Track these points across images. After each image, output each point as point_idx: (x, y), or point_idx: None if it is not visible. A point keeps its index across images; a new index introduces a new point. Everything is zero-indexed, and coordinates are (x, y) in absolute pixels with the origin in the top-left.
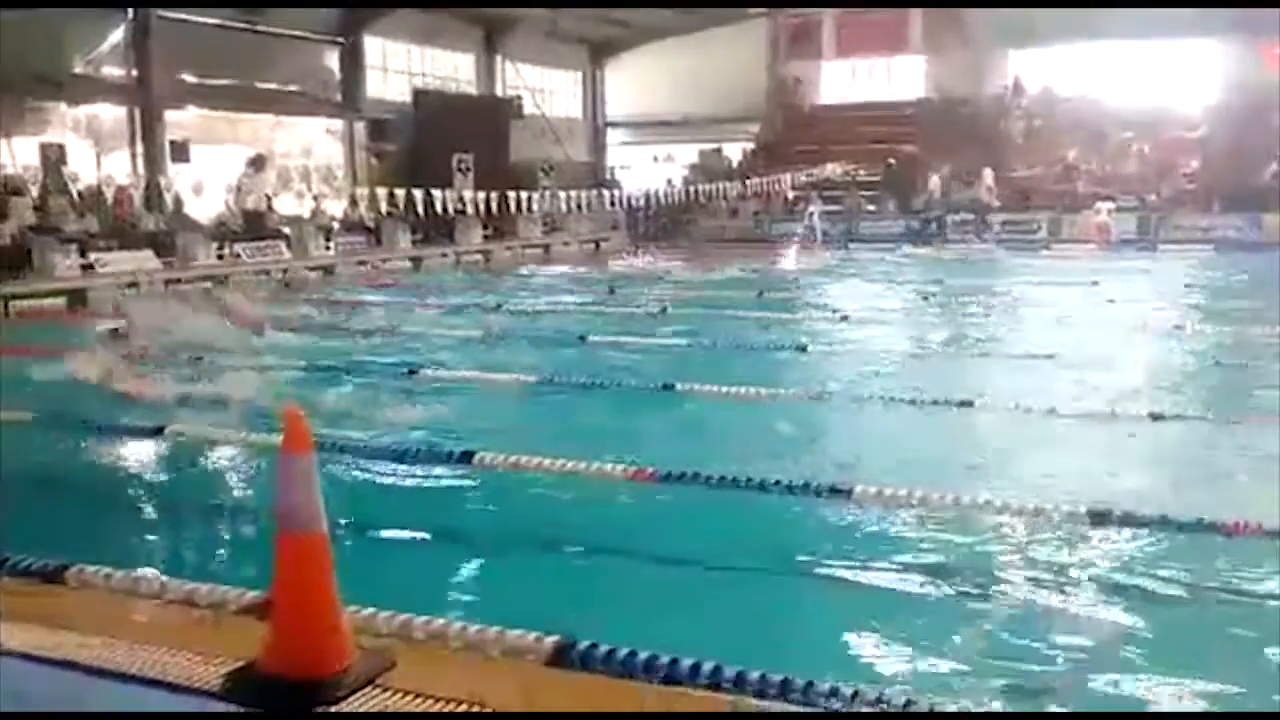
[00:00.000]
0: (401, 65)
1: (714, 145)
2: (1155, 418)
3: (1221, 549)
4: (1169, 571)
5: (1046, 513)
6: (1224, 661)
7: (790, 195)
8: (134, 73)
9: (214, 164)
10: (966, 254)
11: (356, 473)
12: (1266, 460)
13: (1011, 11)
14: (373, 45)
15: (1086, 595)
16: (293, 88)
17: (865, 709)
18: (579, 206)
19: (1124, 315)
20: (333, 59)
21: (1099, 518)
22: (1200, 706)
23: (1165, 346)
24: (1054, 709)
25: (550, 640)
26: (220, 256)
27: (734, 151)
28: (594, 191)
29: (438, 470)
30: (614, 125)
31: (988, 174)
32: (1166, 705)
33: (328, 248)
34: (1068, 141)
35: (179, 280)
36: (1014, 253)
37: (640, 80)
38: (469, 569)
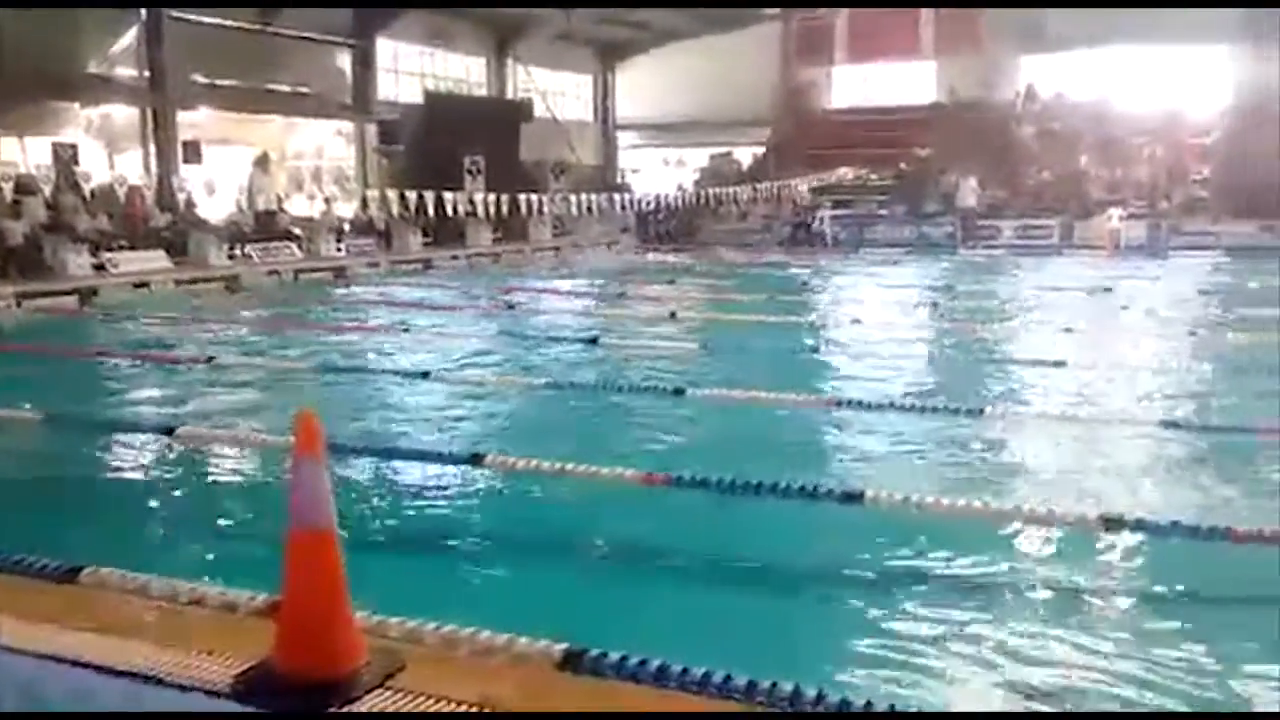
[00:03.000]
0: (413, 67)
1: (724, 149)
2: (1168, 425)
3: (1232, 556)
4: (1178, 578)
5: (1059, 518)
6: (1233, 666)
7: (801, 200)
8: (146, 73)
9: (226, 165)
10: (981, 259)
11: (372, 473)
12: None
13: (1024, 16)
14: (385, 47)
15: (1101, 602)
16: (304, 89)
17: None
18: (589, 209)
19: (1136, 321)
20: (344, 61)
21: (1112, 524)
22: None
23: (1178, 353)
24: (1054, 709)
25: (560, 647)
26: (231, 257)
27: (744, 155)
28: (604, 194)
29: (450, 471)
30: (624, 128)
31: (972, 180)
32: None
33: (338, 249)
34: (1080, 147)
35: (191, 280)
36: (1027, 257)
37: (651, 84)
38: (480, 573)
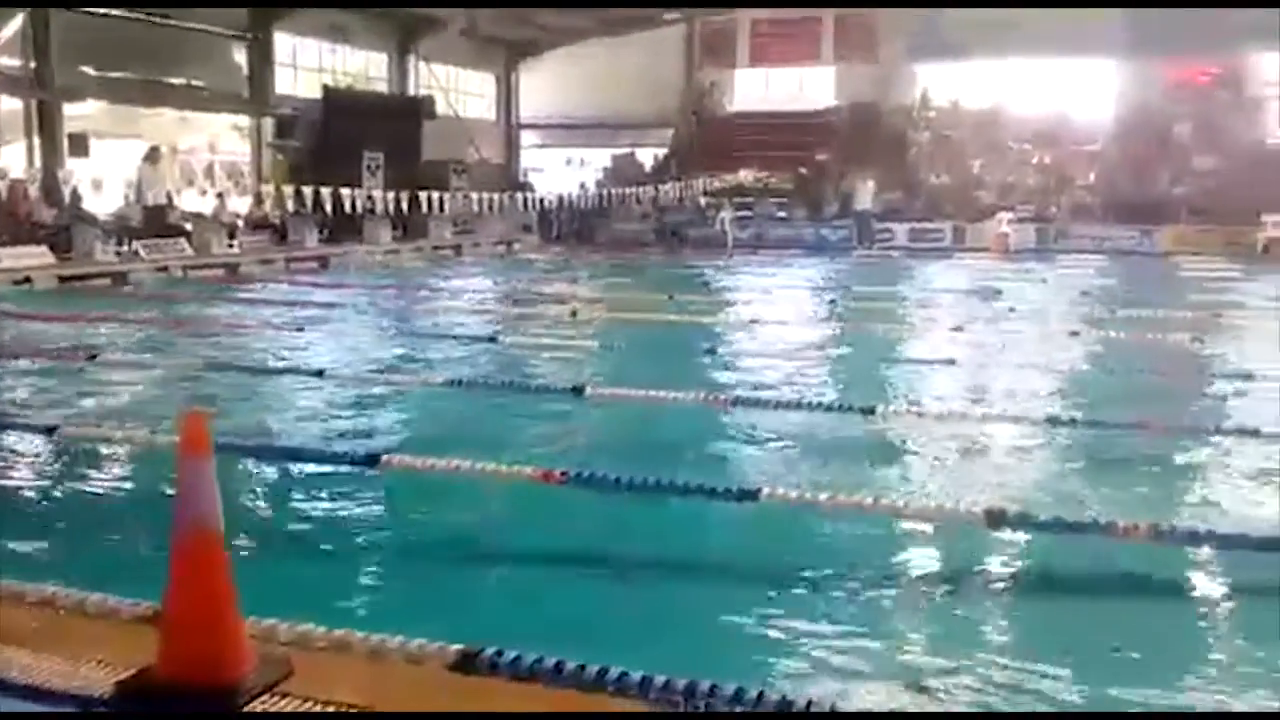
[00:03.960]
0: (313, 62)
1: (627, 150)
2: (1052, 422)
3: (1113, 551)
4: (1060, 573)
5: (946, 514)
6: (1109, 660)
7: (703, 201)
8: (32, 64)
9: (115, 158)
10: (877, 260)
11: (258, 475)
12: (1159, 465)
13: (920, 26)
14: (283, 42)
15: (984, 596)
16: (199, 82)
17: (772, 711)
18: (491, 208)
19: (1023, 322)
20: (241, 54)
21: (995, 519)
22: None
23: (1062, 353)
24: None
25: (454, 648)
26: (119, 253)
27: (647, 156)
28: (506, 193)
29: (343, 472)
30: (527, 127)
31: (869, 184)
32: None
33: (231, 245)
34: (972, 153)
35: (76, 277)
36: (921, 259)
37: (555, 83)
38: (373, 575)
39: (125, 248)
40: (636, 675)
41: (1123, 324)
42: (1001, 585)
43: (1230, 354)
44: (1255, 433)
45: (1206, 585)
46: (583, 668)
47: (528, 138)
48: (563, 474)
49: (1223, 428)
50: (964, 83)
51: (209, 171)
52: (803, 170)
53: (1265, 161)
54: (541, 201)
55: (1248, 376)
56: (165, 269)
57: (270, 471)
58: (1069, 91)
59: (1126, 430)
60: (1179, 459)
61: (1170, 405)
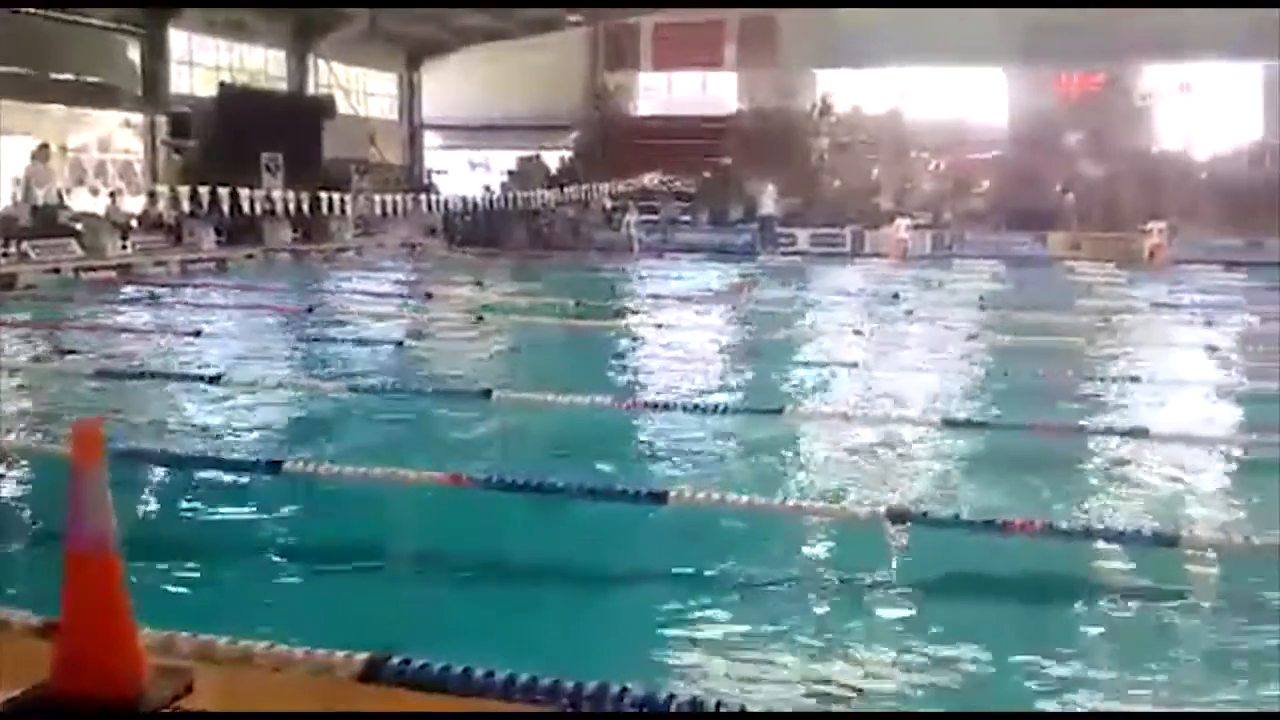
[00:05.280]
0: (209, 60)
1: (532, 152)
2: (949, 423)
3: (1009, 547)
4: (958, 569)
5: (850, 514)
6: (1004, 655)
7: (608, 204)
8: None
9: (2, 156)
10: (780, 265)
11: (154, 484)
12: (1053, 464)
13: (820, 33)
14: (178, 38)
15: (887, 593)
16: (90, 78)
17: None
18: (395, 209)
19: (921, 326)
20: (134, 51)
21: (898, 517)
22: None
23: (959, 355)
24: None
25: (360, 657)
26: (7, 254)
27: (552, 159)
28: (410, 195)
29: (243, 480)
30: (431, 128)
31: (770, 188)
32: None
33: (125, 247)
34: (872, 159)
35: None
36: (822, 264)
37: (458, 84)
38: (276, 585)
39: (13, 249)
40: (546, 680)
41: (1016, 328)
42: (904, 582)
43: (1119, 357)
44: (1145, 433)
45: (1100, 580)
46: (491, 674)
47: (431, 139)
48: (471, 479)
49: (1114, 428)
50: (864, 89)
51: (101, 170)
52: (706, 174)
53: (1152, 170)
54: (446, 204)
55: (1135, 379)
56: (56, 270)
57: (167, 480)
58: (966, 99)
59: (1023, 431)
60: (1072, 458)
61: (1064, 406)
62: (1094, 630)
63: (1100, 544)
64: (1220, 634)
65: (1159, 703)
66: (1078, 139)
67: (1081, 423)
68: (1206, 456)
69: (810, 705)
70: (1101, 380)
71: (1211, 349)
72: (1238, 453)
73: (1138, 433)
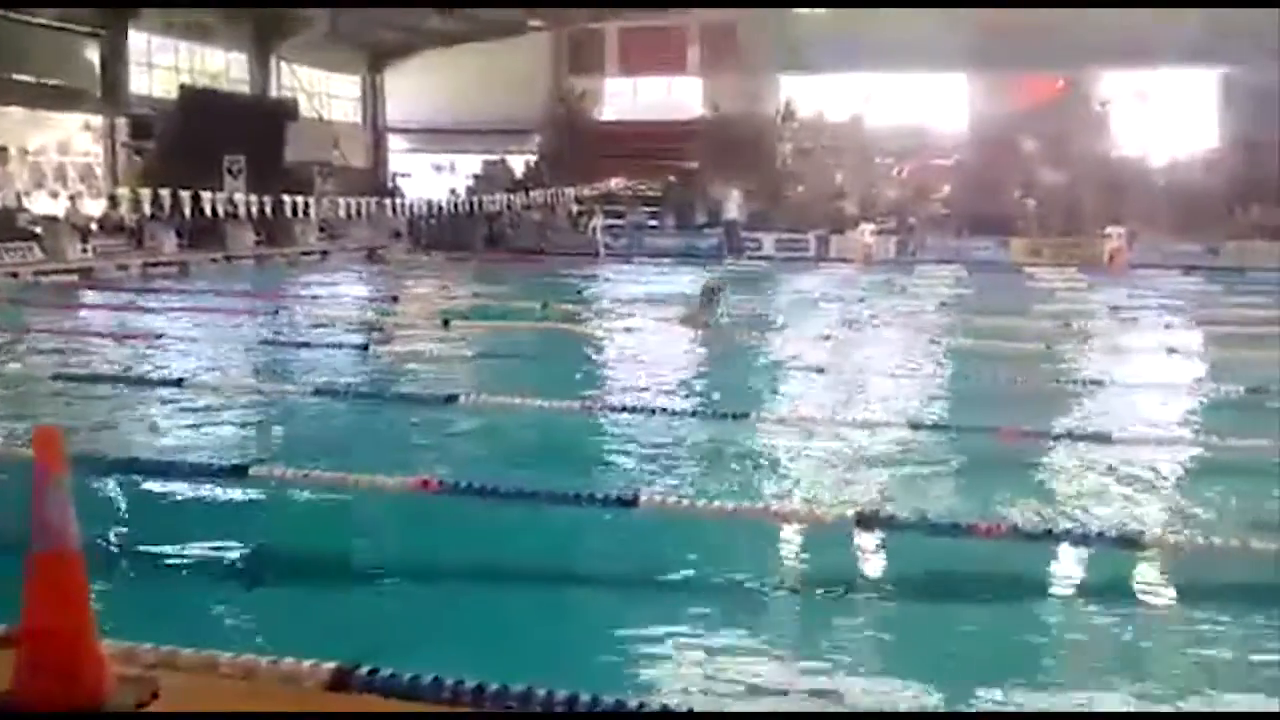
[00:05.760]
0: (169, 61)
1: (498, 156)
2: (915, 426)
3: (977, 550)
4: (927, 571)
5: (818, 517)
6: (972, 655)
7: (573, 208)
8: None
9: None
10: (746, 269)
11: (119, 490)
12: (1018, 468)
13: (783, 39)
14: (138, 40)
15: (856, 595)
16: (49, 80)
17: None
18: (359, 213)
19: (887, 330)
20: (93, 52)
21: (865, 521)
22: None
23: (924, 358)
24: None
25: (329, 665)
26: None
27: (518, 163)
28: (374, 198)
29: (210, 485)
30: (395, 131)
31: (735, 193)
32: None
33: (85, 249)
34: (835, 164)
35: None
36: (787, 269)
37: (423, 88)
38: (243, 592)
39: None
40: (517, 688)
41: (978, 332)
42: (872, 584)
43: (1079, 361)
44: (1107, 438)
45: (1066, 580)
46: (461, 682)
47: (396, 142)
48: (440, 483)
49: (1075, 432)
50: (827, 95)
51: (61, 173)
52: (671, 179)
53: (1112, 175)
54: (411, 207)
55: (1097, 383)
56: (15, 274)
57: (131, 485)
58: (927, 105)
59: (987, 434)
60: (1036, 461)
61: (1026, 410)
62: (1057, 630)
63: (1065, 545)
64: (1183, 633)
65: (1124, 704)
66: (1037, 145)
67: (1044, 425)
68: (1168, 458)
69: (783, 707)
70: (1061, 383)
71: (1171, 351)
72: (1198, 454)
73: (1100, 437)
